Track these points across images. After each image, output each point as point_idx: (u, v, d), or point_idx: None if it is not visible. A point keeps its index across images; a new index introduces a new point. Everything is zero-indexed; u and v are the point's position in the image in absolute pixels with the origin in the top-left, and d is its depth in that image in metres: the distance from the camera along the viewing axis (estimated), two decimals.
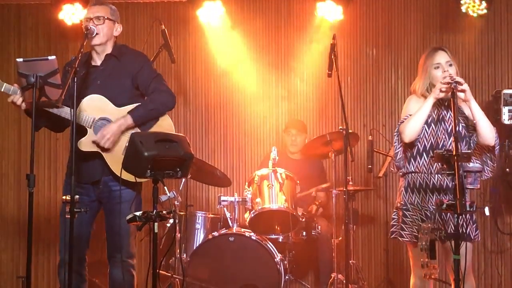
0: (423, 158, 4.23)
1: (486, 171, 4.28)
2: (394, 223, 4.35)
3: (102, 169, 4.33)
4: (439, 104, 4.25)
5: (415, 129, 4.20)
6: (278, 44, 7.05)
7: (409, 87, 6.75)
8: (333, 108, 6.94)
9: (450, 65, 4.27)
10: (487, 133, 4.15)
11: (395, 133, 4.33)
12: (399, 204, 4.34)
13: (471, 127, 4.23)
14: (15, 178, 6.92)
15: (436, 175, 4.20)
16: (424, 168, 4.23)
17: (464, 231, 4.10)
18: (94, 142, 4.26)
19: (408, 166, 4.29)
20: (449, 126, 4.24)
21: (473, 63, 6.84)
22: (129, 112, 4.34)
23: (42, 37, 7.04)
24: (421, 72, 4.37)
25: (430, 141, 4.23)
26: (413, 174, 4.27)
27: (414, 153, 4.27)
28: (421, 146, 4.25)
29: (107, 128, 4.27)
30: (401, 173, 4.37)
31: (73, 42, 6.71)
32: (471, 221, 4.18)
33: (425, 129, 4.24)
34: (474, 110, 4.13)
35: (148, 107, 4.40)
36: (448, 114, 4.22)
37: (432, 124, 4.24)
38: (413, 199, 4.25)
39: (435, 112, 4.25)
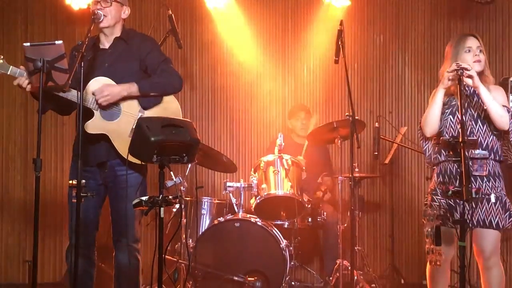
0: None
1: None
2: (426, 208, 4.31)
3: (108, 151, 4.34)
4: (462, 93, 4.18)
5: (432, 122, 4.20)
6: (285, 31, 7.04)
7: (416, 73, 6.85)
8: (340, 94, 6.93)
9: (481, 51, 4.24)
10: (499, 117, 4.12)
11: (419, 132, 4.34)
12: (430, 190, 4.33)
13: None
14: (21, 162, 6.93)
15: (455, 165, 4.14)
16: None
17: (487, 218, 4.10)
18: (92, 93, 4.25)
19: (439, 157, 4.26)
20: (475, 112, 4.21)
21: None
22: (135, 81, 4.35)
23: (49, 22, 7.03)
24: (449, 58, 4.31)
25: (457, 129, 4.14)
26: (444, 162, 4.24)
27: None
28: (449, 136, 4.19)
29: (109, 87, 4.27)
30: (435, 163, 4.33)
31: (80, 27, 6.71)
32: (502, 210, 4.15)
33: (451, 119, 4.22)
34: (484, 96, 4.11)
35: (154, 81, 4.42)
36: (474, 100, 4.19)
37: (457, 112, 4.18)
38: (443, 185, 4.21)
39: (455, 103, 4.21)
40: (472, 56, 4.22)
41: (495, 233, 4.16)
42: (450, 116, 4.23)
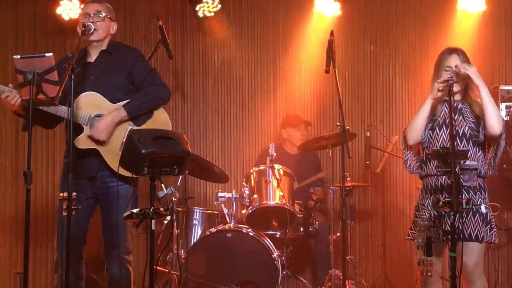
0: (431, 162, 4.21)
1: (492, 170, 4.27)
2: (412, 225, 4.33)
3: (99, 164, 4.35)
4: (446, 107, 4.19)
5: (418, 130, 4.22)
6: (276, 40, 7.04)
7: (407, 83, 6.86)
8: (331, 103, 6.93)
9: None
10: (493, 119, 4.08)
11: (402, 140, 4.36)
12: (415, 206, 4.35)
13: (478, 128, 4.20)
14: (12, 173, 6.90)
15: (444, 177, 4.16)
16: (432, 171, 4.21)
17: (472, 232, 4.10)
18: (89, 136, 4.26)
19: (421, 172, 4.29)
20: (455, 129, 4.21)
21: (471, 60, 6.56)
22: (123, 105, 4.35)
23: (39, 32, 7.02)
24: (435, 73, 4.34)
25: (436, 145, 4.18)
26: (427, 177, 4.26)
27: (424, 158, 4.27)
28: (428, 151, 4.23)
29: (101, 121, 4.28)
30: (420, 176, 4.36)
31: (71, 38, 6.70)
32: (481, 222, 4.14)
33: (430, 134, 4.23)
34: (483, 95, 4.11)
35: (142, 100, 4.42)
36: (456, 117, 4.20)
37: (437, 128, 4.22)
38: (425, 200, 4.24)
39: (441, 116, 4.23)
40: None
41: (478, 246, 4.14)
42: (430, 132, 4.24)
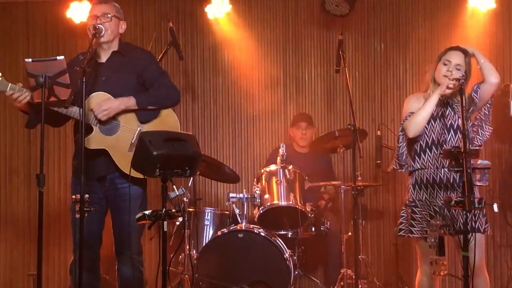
0: (427, 154, 4.26)
1: (485, 134, 4.32)
2: (403, 221, 4.36)
3: (108, 165, 4.35)
4: (438, 101, 4.26)
5: (421, 124, 4.25)
6: (285, 40, 7.04)
7: (417, 81, 6.84)
8: (342, 102, 6.93)
9: (458, 69, 4.26)
10: (491, 69, 4.25)
11: (400, 132, 4.36)
12: (407, 201, 4.36)
13: (469, 113, 4.29)
14: (25, 174, 6.95)
15: (442, 170, 4.22)
16: (429, 164, 4.25)
17: (474, 224, 4.10)
18: (91, 110, 4.27)
19: (413, 164, 4.32)
20: (448, 122, 4.27)
21: None
22: (133, 95, 4.37)
23: (50, 35, 7.05)
24: (434, 63, 4.41)
25: (431, 137, 4.28)
26: (419, 170, 4.28)
27: (418, 150, 4.30)
28: (423, 143, 4.30)
29: (107, 101, 4.29)
30: (408, 171, 4.38)
31: (82, 40, 6.69)
32: (480, 215, 4.18)
33: (425, 126, 4.27)
34: (477, 56, 4.29)
35: (152, 94, 4.43)
36: (448, 110, 4.27)
37: (432, 120, 4.29)
38: (421, 195, 4.27)
39: (435, 109, 4.27)
40: (445, 70, 4.27)
41: (480, 238, 4.14)
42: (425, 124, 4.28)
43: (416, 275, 6.41)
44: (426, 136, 4.28)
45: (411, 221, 4.29)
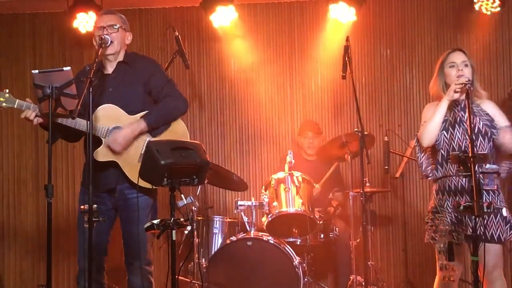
0: (449, 163, 4.20)
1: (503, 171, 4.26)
2: (429, 228, 4.30)
3: (118, 177, 4.36)
4: (455, 106, 4.23)
5: (433, 133, 4.20)
6: (291, 47, 7.05)
7: (424, 86, 6.83)
8: (349, 109, 6.93)
9: (466, 65, 4.25)
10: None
11: (415, 143, 4.34)
12: (430, 208, 4.33)
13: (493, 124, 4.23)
14: (33, 185, 6.97)
15: (464, 178, 4.14)
16: (451, 172, 4.19)
17: (494, 233, 4.08)
18: (107, 147, 4.28)
19: (436, 173, 4.27)
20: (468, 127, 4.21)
21: (488, 61, 6.80)
22: (142, 117, 4.36)
23: (57, 45, 7.09)
24: (436, 73, 4.38)
25: (451, 145, 4.20)
26: (445, 178, 4.24)
27: (440, 160, 4.25)
28: (444, 152, 4.23)
29: (119, 132, 4.30)
30: (433, 179, 4.35)
31: (88, 50, 6.76)
32: (502, 223, 4.14)
33: (444, 135, 4.22)
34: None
35: (161, 112, 4.42)
36: (466, 115, 4.19)
37: (450, 128, 4.22)
38: (444, 202, 4.22)
39: (452, 115, 4.24)
40: (456, 71, 4.24)
41: (498, 247, 4.14)
42: (444, 132, 4.23)
43: (426, 280, 6.41)
44: (446, 144, 4.22)
45: (434, 228, 4.26)
